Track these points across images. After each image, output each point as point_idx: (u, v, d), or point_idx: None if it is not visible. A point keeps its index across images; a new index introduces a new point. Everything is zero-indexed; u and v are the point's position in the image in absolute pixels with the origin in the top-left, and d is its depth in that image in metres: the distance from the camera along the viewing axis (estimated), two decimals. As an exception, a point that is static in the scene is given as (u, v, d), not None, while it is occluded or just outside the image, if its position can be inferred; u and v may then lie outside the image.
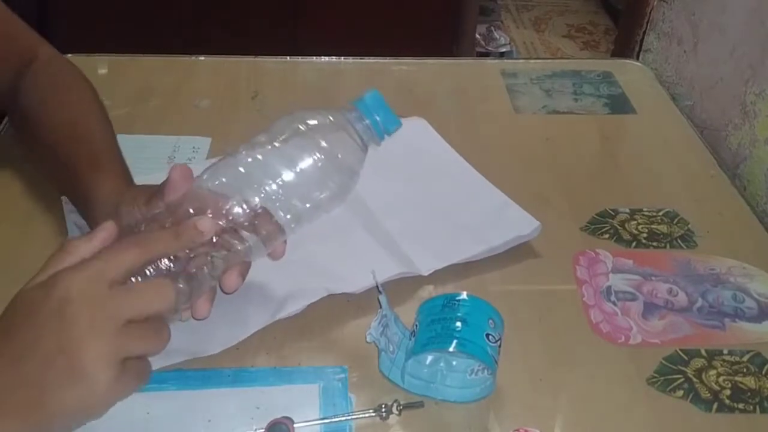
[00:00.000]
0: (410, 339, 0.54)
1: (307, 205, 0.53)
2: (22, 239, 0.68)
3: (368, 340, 0.54)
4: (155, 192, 0.54)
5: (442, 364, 0.55)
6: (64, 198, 0.68)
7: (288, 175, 0.52)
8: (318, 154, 0.52)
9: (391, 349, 0.54)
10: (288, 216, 0.53)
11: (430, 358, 0.55)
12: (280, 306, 0.60)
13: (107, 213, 0.55)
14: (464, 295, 0.54)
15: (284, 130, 0.53)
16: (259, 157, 0.52)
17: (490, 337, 0.52)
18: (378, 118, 0.55)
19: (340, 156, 0.53)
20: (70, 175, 0.61)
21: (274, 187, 0.52)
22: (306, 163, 0.52)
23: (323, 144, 0.52)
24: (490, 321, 0.53)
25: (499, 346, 0.53)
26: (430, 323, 0.53)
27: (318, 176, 0.53)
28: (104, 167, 0.61)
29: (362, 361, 0.57)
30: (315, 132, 0.53)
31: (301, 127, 0.53)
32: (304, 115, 0.54)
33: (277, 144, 0.53)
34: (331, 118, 0.54)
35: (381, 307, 0.54)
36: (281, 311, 0.59)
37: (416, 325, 0.54)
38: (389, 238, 0.67)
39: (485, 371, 0.53)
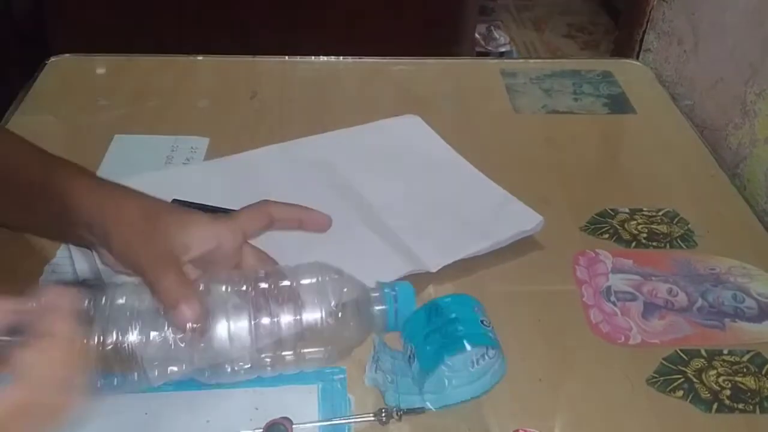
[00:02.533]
0: (410, 362, 0.54)
1: (289, 355, 0.51)
2: (22, 239, 0.68)
3: (367, 383, 0.54)
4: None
5: (444, 369, 0.54)
6: None
7: (288, 320, 0.50)
8: (328, 318, 0.50)
9: (390, 379, 0.54)
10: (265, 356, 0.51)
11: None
12: None
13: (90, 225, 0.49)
14: (442, 298, 0.54)
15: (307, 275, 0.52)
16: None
17: (484, 322, 0.53)
18: (396, 310, 0.53)
19: (346, 331, 0.52)
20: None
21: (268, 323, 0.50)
22: (313, 318, 0.50)
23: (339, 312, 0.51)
24: (476, 308, 0.53)
25: (492, 326, 0.53)
26: (426, 337, 0.53)
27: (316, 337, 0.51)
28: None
29: (361, 361, 0.57)
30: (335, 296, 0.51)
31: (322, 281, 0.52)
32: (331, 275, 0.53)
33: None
34: (355, 290, 0.53)
35: (374, 347, 0.54)
36: None
37: (411, 348, 0.54)
38: (395, 236, 0.67)
39: (486, 356, 0.53)
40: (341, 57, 1.00)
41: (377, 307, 0.53)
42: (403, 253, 0.65)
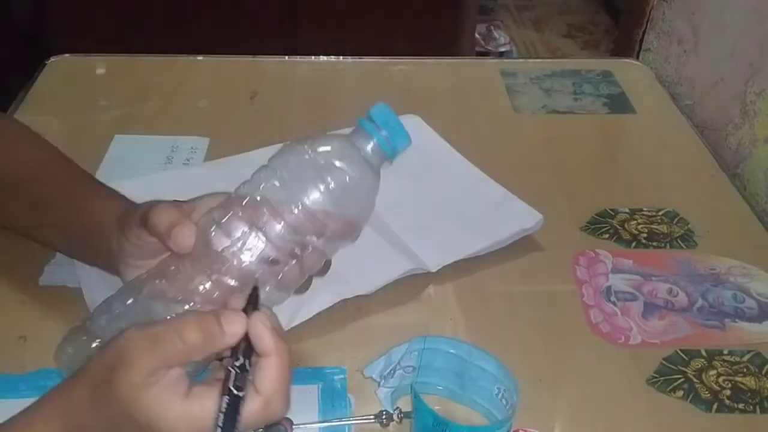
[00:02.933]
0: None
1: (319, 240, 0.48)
2: (22, 240, 0.68)
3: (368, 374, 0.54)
4: (146, 216, 0.49)
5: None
6: None
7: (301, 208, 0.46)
8: (330, 185, 0.47)
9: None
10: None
11: None
12: (294, 314, 0.59)
13: (111, 234, 0.51)
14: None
15: (288, 161, 0.48)
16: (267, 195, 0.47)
17: None
18: (386, 135, 0.49)
19: (351, 185, 0.48)
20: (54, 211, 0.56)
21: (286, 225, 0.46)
22: (318, 194, 0.47)
23: (335, 175, 0.47)
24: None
25: None
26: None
27: (331, 207, 0.47)
28: (89, 190, 0.57)
29: (362, 361, 0.57)
30: (326, 163, 0.47)
31: (307, 156, 0.48)
32: (310, 144, 0.49)
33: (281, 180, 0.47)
34: (337, 144, 0.49)
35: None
36: (295, 319, 0.59)
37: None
38: (395, 236, 0.67)
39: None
40: (341, 57, 1.00)
41: (367, 147, 0.48)
42: (404, 253, 0.65)
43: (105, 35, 1.39)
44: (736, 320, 0.63)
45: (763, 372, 0.59)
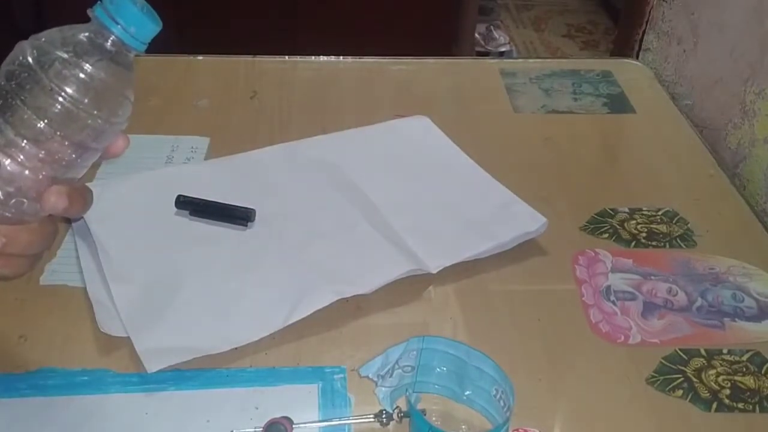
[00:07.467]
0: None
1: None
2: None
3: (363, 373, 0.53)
4: None
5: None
6: None
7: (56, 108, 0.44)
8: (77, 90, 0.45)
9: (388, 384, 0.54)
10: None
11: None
12: (292, 311, 0.60)
13: None
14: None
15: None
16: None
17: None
18: (123, 26, 0.46)
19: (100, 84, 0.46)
20: None
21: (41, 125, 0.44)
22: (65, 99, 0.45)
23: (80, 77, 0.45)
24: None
25: None
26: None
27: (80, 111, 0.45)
28: None
29: (361, 361, 0.57)
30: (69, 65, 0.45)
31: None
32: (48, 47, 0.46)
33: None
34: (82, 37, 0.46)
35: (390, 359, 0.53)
36: (292, 316, 0.59)
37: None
38: (397, 236, 0.67)
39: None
40: (341, 57, 1.00)
41: (98, 39, 0.46)
42: (404, 253, 0.65)
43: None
44: (736, 320, 0.63)
45: (763, 371, 0.59)
